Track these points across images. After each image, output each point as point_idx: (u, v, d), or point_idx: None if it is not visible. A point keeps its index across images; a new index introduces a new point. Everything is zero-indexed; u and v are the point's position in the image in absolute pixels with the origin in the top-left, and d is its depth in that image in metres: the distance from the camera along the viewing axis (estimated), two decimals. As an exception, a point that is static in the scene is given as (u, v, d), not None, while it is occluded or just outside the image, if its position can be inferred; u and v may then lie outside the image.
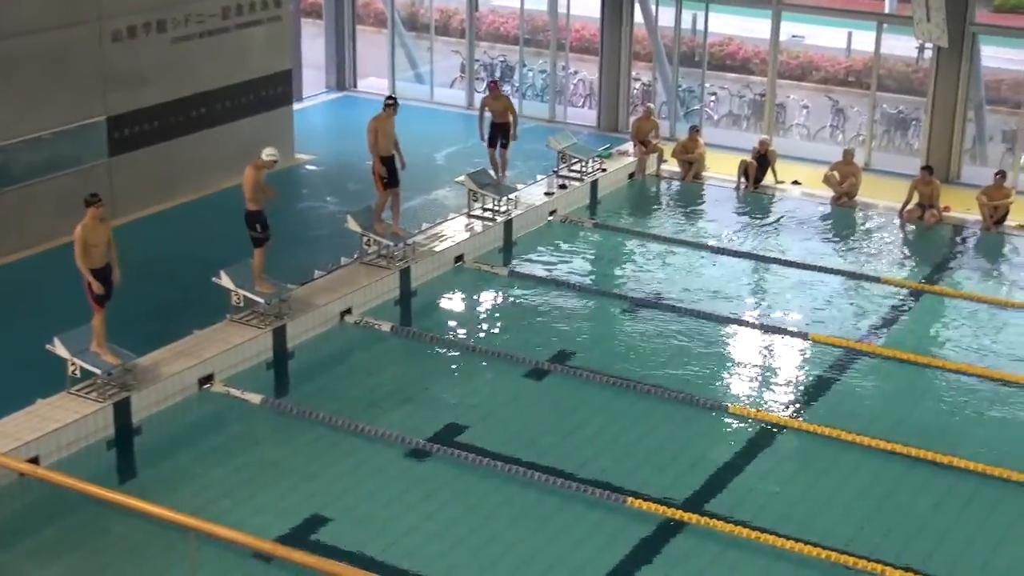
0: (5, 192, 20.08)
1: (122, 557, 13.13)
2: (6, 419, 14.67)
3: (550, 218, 22.60)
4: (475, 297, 19.94)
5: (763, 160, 24.50)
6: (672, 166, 25.29)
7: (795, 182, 24.68)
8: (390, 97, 19.93)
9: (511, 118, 22.73)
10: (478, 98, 29.67)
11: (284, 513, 13.86)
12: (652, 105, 27.18)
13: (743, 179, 24.50)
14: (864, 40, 28.91)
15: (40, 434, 14.44)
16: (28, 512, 13.79)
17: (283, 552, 9.31)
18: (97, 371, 15.25)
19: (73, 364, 15.31)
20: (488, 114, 22.82)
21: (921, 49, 29.43)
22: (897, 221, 23.11)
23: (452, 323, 19.18)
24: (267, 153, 17.11)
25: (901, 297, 19.89)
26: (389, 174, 19.42)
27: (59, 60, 20.62)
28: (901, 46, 29.70)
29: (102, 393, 15.27)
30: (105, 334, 15.39)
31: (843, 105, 29.12)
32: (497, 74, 31.54)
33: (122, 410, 15.25)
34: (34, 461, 14.15)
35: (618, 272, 20.99)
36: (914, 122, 27.68)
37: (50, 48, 20.43)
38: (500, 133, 22.67)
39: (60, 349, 15.35)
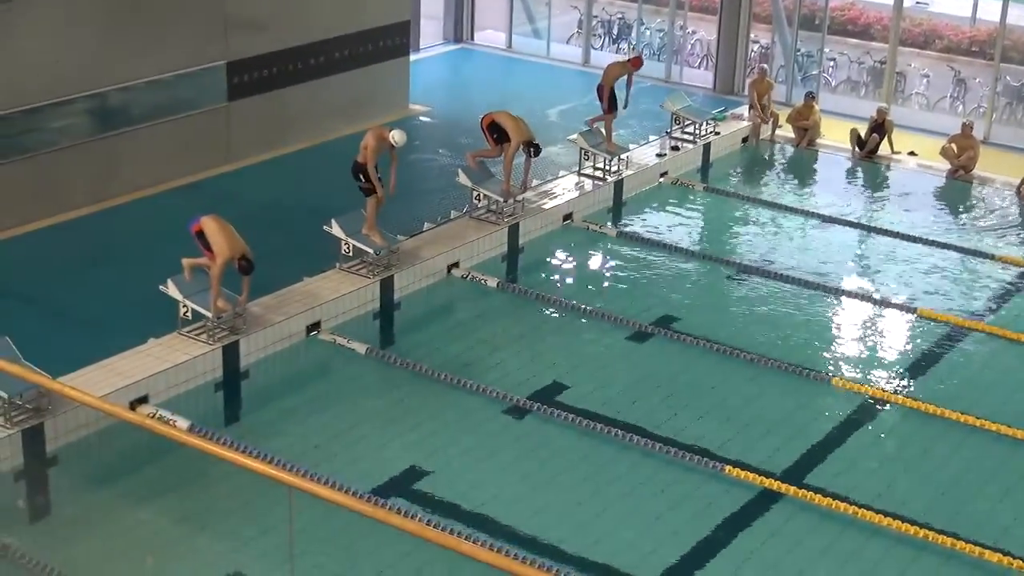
0: (125, 132, 20.43)
1: (221, 499, 13.33)
2: (118, 357, 14.98)
3: (661, 180, 22.52)
4: (582, 256, 19.96)
5: (880, 129, 24.17)
6: (786, 132, 25.05)
7: (911, 153, 24.34)
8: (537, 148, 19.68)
9: None
10: (596, 55, 29.72)
11: (384, 463, 14.06)
12: (766, 66, 26.87)
13: (856, 147, 24.22)
14: (990, 9, 28.32)
15: (150, 373, 14.74)
16: (129, 451, 13.84)
17: (380, 515, 9.46)
18: (208, 314, 15.50)
19: (185, 306, 15.58)
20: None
21: (1049, 21, 28.81)
22: (1014, 197, 22.71)
23: (558, 281, 19.23)
24: (394, 135, 17.22)
25: (1014, 275, 19.57)
26: (500, 133, 19.38)
27: (182, 3, 20.90)
28: (1028, 17, 29.11)
29: (212, 336, 15.52)
30: (220, 279, 15.52)
31: (965, 75, 28.57)
32: (615, 32, 31.38)
33: (231, 353, 15.51)
34: (143, 399, 14.48)
35: (726, 237, 20.90)
36: (1037, 96, 27.16)
37: (174, -9, 20.77)
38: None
39: (172, 291, 15.62)
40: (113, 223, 19.59)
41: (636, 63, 22.29)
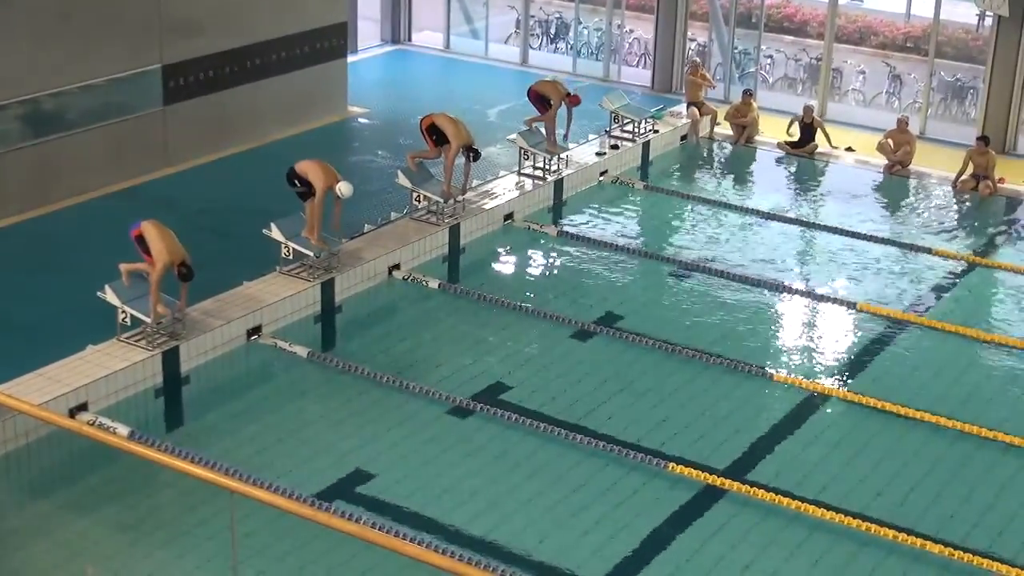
0: (60, 138, 20.24)
1: (163, 506, 13.23)
2: (57, 364, 14.79)
3: (601, 179, 22.55)
4: (523, 256, 19.95)
5: (809, 129, 24.31)
6: (725, 129, 25.17)
7: (848, 149, 24.51)
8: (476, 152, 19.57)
9: None
10: (534, 55, 29.82)
11: (328, 466, 13.99)
12: (697, 59, 27.00)
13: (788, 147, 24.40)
14: (924, 5, 28.60)
15: (89, 380, 14.58)
16: (70, 460, 13.79)
17: (322, 519, 9.45)
18: (147, 319, 15.36)
19: (123, 312, 15.43)
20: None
21: (982, 17, 29.13)
22: (951, 191, 22.92)
23: (500, 281, 19.20)
24: (341, 188, 17.15)
25: (952, 268, 19.76)
26: (439, 135, 19.31)
27: (116, 7, 20.72)
28: (961, 13, 29.38)
29: (151, 341, 15.39)
30: (159, 284, 15.38)
31: (900, 71, 28.84)
32: (552, 31, 31.49)
33: (171, 359, 15.37)
34: (83, 407, 14.34)
35: (667, 235, 20.94)
36: (971, 91, 27.40)
37: (108, -6, 20.58)
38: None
39: (111, 296, 15.46)
40: (50, 229, 19.39)
41: (575, 100, 22.13)
